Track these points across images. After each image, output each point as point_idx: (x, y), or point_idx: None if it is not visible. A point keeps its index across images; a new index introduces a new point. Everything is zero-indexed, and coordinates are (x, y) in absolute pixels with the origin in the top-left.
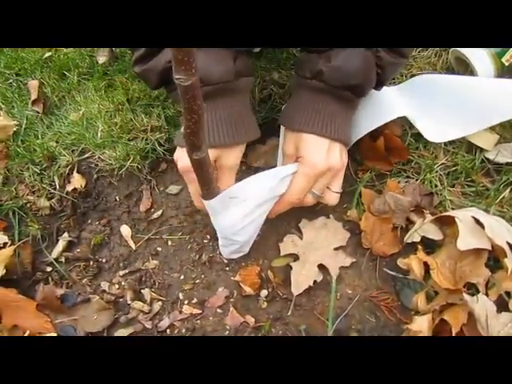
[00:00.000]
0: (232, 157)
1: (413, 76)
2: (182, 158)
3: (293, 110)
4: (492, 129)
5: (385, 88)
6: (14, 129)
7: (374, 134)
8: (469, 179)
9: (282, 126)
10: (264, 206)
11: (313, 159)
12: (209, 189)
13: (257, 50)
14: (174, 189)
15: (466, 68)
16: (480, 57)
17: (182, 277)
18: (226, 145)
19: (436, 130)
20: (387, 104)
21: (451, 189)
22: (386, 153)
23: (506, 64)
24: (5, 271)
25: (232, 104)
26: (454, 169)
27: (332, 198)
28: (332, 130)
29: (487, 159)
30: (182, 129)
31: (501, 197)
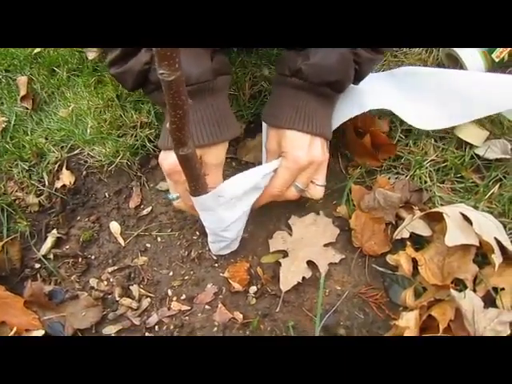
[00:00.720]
0: (216, 155)
1: None
2: (166, 159)
3: (274, 108)
4: (482, 125)
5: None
6: (3, 125)
7: (360, 132)
8: (458, 175)
9: (264, 124)
10: (249, 202)
11: (295, 153)
12: (197, 185)
13: None
14: (163, 185)
15: (456, 64)
16: (470, 53)
17: (170, 273)
18: (210, 144)
19: (421, 118)
20: (363, 95)
21: (441, 185)
22: (374, 149)
23: (496, 60)
24: None
25: (212, 103)
26: (443, 165)
27: (316, 192)
28: (313, 126)
29: (477, 155)
30: (168, 124)
31: (490, 193)
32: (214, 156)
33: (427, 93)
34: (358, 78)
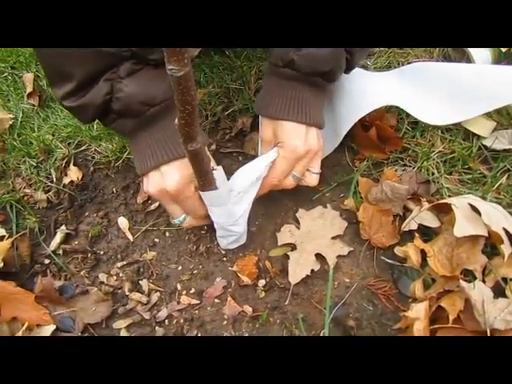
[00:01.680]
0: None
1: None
2: (150, 184)
3: (268, 99)
4: (489, 116)
5: (373, 75)
6: (10, 122)
7: (367, 125)
8: (466, 166)
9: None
10: (253, 194)
11: (293, 143)
12: (205, 180)
13: None
14: None
15: (462, 55)
16: None
17: (179, 268)
18: (183, 156)
19: (434, 114)
20: (375, 92)
21: (448, 176)
22: (380, 142)
23: (503, 50)
24: (3, 264)
25: None
26: (450, 156)
27: (312, 180)
28: (307, 116)
29: (484, 146)
30: (176, 120)
31: (498, 184)
32: (187, 168)
33: (437, 88)
34: (349, 67)
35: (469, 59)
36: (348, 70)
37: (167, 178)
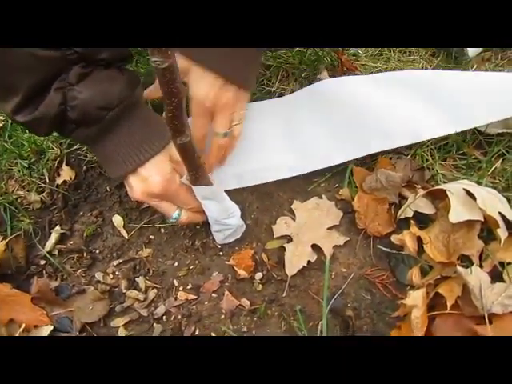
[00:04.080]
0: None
1: (401, 51)
2: (135, 191)
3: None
4: None
5: None
6: (1, 124)
7: None
8: (460, 152)
9: None
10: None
11: (198, 94)
12: (197, 173)
13: None
14: None
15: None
16: None
17: (175, 263)
18: (157, 153)
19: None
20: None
21: (443, 162)
22: None
23: None
24: None
25: (140, 116)
26: (445, 142)
27: (236, 132)
28: (227, 67)
29: (478, 131)
30: (164, 114)
31: (493, 168)
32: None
33: (422, 101)
34: None
35: (463, 51)
36: None
37: (149, 181)
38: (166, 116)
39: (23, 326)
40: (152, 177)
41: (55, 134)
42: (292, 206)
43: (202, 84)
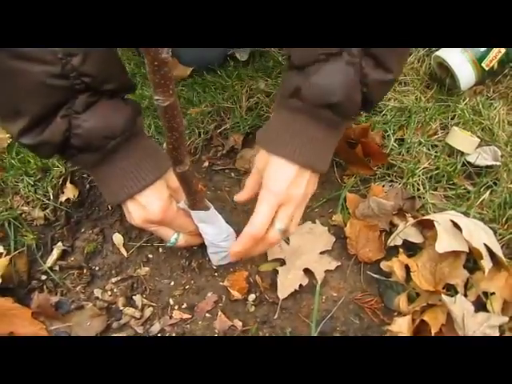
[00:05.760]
0: (166, 186)
1: (397, 82)
2: (133, 217)
3: (269, 130)
4: (473, 132)
5: None
6: (8, 141)
7: (353, 142)
8: (450, 182)
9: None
10: None
11: (273, 187)
12: (194, 199)
13: (244, 58)
14: None
15: (447, 73)
16: (461, 62)
17: (172, 283)
18: (154, 180)
19: None
20: None
21: (433, 192)
22: (366, 158)
23: (486, 69)
24: (1, 280)
25: (140, 145)
26: (435, 172)
27: (292, 229)
28: (304, 155)
29: (468, 162)
30: (165, 145)
31: (481, 199)
32: (164, 187)
33: None
34: (368, 104)
35: (453, 78)
36: (367, 107)
37: (148, 208)
38: (166, 147)
39: None
40: (150, 203)
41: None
42: None
43: (280, 177)
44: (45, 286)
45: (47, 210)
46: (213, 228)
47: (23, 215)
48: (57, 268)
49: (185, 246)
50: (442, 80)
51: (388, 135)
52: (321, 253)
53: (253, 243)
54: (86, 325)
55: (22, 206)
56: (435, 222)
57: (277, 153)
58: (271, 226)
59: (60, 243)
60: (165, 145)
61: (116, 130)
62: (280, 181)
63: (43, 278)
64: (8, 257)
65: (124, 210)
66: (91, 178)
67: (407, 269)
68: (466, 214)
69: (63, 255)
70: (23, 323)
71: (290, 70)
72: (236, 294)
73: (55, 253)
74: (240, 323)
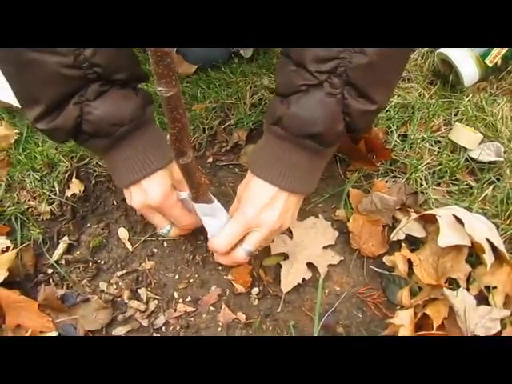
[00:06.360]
0: (170, 175)
1: (400, 78)
2: (134, 200)
3: (257, 154)
4: (476, 128)
5: None
6: (15, 137)
7: (356, 139)
8: (453, 178)
9: None
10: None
11: (247, 209)
12: (198, 191)
13: (248, 55)
14: None
15: (451, 70)
16: (464, 59)
17: (176, 276)
18: (159, 169)
19: None
20: None
21: (436, 187)
22: (369, 154)
23: (490, 65)
24: (8, 274)
25: (147, 134)
26: (438, 168)
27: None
28: (287, 182)
29: (471, 158)
30: (168, 136)
31: (484, 194)
32: (168, 176)
33: None
34: (351, 131)
35: (456, 74)
36: (352, 132)
37: (149, 193)
38: (169, 138)
39: (29, 331)
40: (151, 190)
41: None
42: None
43: (255, 200)
44: (51, 280)
45: (53, 205)
46: (216, 221)
47: (30, 210)
48: (63, 262)
49: (173, 237)
50: (446, 76)
51: (391, 131)
52: (324, 247)
53: (218, 256)
54: (92, 317)
55: (29, 200)
56: (437, 217)
57: (258, 175)
58: (239, 243)
59: (66, 237)
60: (168, 136)
61: (124, 117)
62: (254, 204)
63: (49, 271)
64: (15, 250)
65: (126, 194)
66: (96, 173)
67: (410, 263)
68: (469, 209)
69: (69, 249)
70: (30, 316)
71: (275, 96)
72: (240, 288)
73: (61, 247)
74: (244, 316)
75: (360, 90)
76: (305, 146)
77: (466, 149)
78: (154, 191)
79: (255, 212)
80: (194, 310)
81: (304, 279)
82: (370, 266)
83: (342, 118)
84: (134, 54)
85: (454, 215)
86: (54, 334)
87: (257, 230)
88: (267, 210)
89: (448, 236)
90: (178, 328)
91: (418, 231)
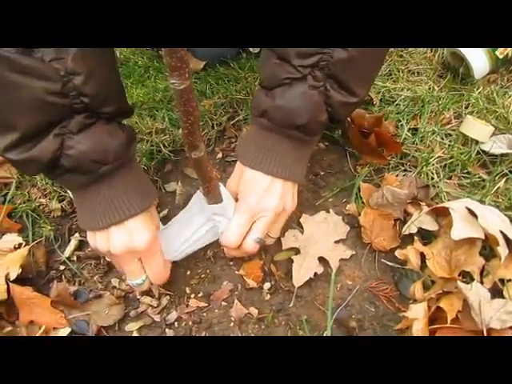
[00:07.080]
0: (152, 217)
1: (410, 72)
2: (115, 242)
3: (245, 146)
4: (487, 121)
5: None
6: None
7: (366, 132)
8: (465, 171)
9: None
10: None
11: (249, 196)
12: (209, 186)
13: (256, 50)
14: (171, 187)
15: (461, 62)
16: (474, 51)
17: (188, 272)
18: (142, 210)
19: None
20: None
21: (448, 181)
22: (380, 148)
23: (500, 57)
24: (21, 270)
25: (131, 173)
26: (450, 161)
27: (270, 240)
28: (278, 168)
29: (483, 151)
30: (180, 130)
31: (496, 187)
32: (151, 219)
33: None
34: (334, 121)
35: (467, 67)
36: (334, 123)
37: (136, 235)
38: (182, 132)
39: (43, 327)
40: (140, 232)
41: None
42: (300, 220)
43: (253, 189)
44: (63, 276)
45: (64, 202)
46: (227, 221)
47: (41, 207)
48: (74, 258)
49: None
50: (456, 69)
51: (401, 125)
52: (335, 242)
53: (228, 250)
54: (104, 313)
55: (40, 198)
56: (450, 209)
57: (251, 166)
58: (248, 234)
59: (77, 234)
60: (180, 130)
61: (109, 155)
62: (254, 192)
63: (61, 268)
64: (27, 247)
65: (95, 236)
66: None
67: (422, 257)
68: (481, 202)
69: (80, 246)
70: (43, 312)
71: (260, 89)
72: (251, 283)
73: (72, 243)
74: (256, 311)
75: (341, 83)
76: (291, 136)
77: (477, 141)
78: (142, 235)
79: (256, 199)
80: (206, 305)
81: (316, 274)
82: (382, 260)
83: (325, 108)
84: (122, 86)
85: (467, 208)
86: (67, 329)
87: (262, 216)
88: (267, 195)
89: (461, 229)
90: (190, 323)
91: (430, 224)
